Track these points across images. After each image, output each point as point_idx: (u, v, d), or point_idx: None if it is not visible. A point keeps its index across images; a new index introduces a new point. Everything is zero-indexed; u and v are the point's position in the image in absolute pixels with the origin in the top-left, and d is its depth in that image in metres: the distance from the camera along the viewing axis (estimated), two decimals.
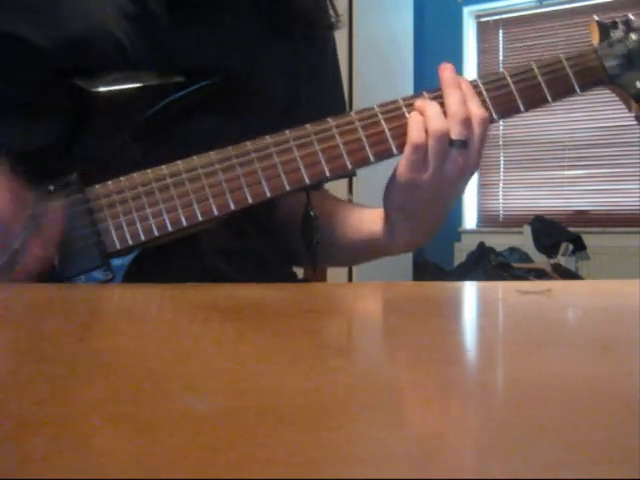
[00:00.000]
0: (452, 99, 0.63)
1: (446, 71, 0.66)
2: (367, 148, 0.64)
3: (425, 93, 0.66)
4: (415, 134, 0.62)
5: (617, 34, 0.70)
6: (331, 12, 0.78)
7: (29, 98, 0.63)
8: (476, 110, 0.64)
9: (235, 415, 0.18)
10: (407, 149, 0.63)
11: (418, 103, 0.65)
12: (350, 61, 2.93)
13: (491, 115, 0.66)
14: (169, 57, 0.66)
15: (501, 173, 4.07)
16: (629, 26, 0.70)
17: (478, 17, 4.12)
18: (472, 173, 0.65)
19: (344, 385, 0.22)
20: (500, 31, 4.07)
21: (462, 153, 0.63)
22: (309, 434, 0.17)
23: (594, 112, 3.74)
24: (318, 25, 0.76)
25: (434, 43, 4.04)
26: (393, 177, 0.65)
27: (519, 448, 0.16)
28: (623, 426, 0.17)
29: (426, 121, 0.63)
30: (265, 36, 0.72)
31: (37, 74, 0.60)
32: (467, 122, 0.63)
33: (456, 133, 0.62)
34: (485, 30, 4.12)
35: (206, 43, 0.69)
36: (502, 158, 4.06)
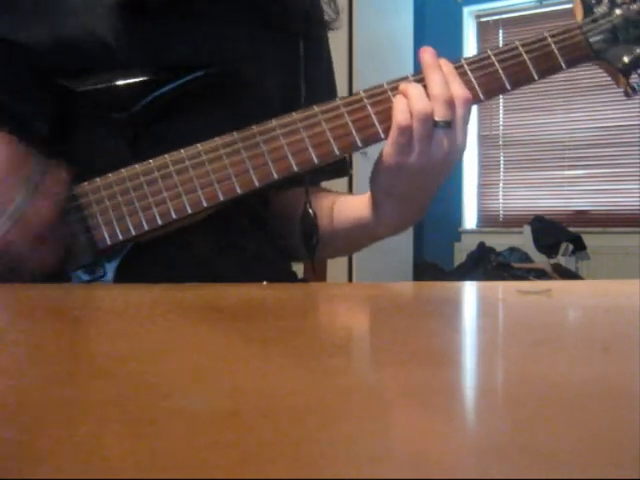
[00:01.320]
0: (433, 81, 0.63)
1: (426, 54, 0.66)
2: (354, 133, 0.64)
3: (410, 76, 0.66)
4: (400, 116, 0.62)
5: (601, 9, 0.69)
6: (329, 10, 0.78)
7: (16, 98, 0.63)
8: (458, 91, 0.64)
9: (234, 415, 0.18)
10: (392, 131, 0.63)
11: (402, 86, 0.64)
12: (350, 61, 2.93)
13: (477, 95, 0.66)
14: (159, 55, 0.66)
15: (501, 173, 4.07)
16: (613, 1, 0.69)
17: (478, 17, 4.12)
18: (458, 155, 0.65)
19: (343, 385, 0.22)
20: (500, 31, 4.07)
21: (447, 134, 0.63)
22: (308, 434, 0.17)
23: (594, 112, 3.74)
24: (315, 22, 0.76)
25: (434, 43, 3.98)
26: (379, 160, 0.65)
27: (518, 448, 0.16)
28: (623, 426, 0.17)
29: (409, 103, 0.63)
30: (260, 32, 0.72)
31: (23, 74, 0.60)
32: (450, 103, 0.63)
33: (439, 115, 0.62)
34: (485, 30, 4.12)
35: (198, 41, 0.69)
36: (502, 158, 4.06)
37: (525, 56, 0.67)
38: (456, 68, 0.66)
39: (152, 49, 0.66)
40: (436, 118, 0.62)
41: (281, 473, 0.14)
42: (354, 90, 2.89)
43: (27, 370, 0.25)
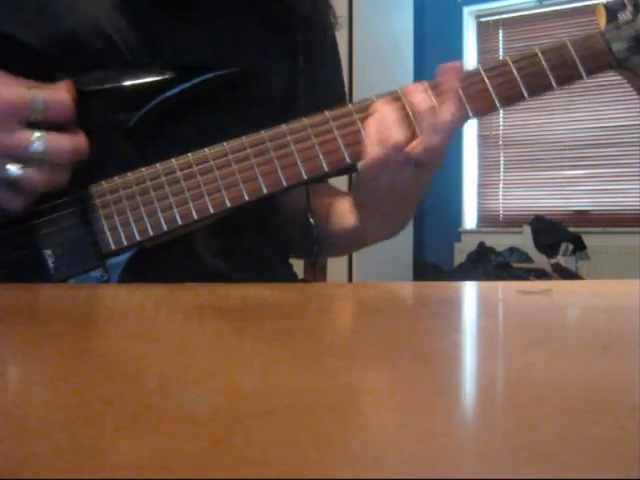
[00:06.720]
0: (426, 125, 0.61)
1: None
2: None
3: (426, 82, 0.65)
4: (372, 149, 0.61)
5: (625, 16, 0.66)
6: (330, 14, 0.78)
7: None
8: (444, 139, 0.61)
9: (234, 415, 0.18)
10: (367, 161, 0.62)
11: (377, 105, 0.63)
12: (350, 61, 2.93)
13: (494, 103, 0.64)
14: (164, 54, 0.66)
15: (501, 173, 4.08)
16: (638, 8, 0.66)
17: (478, 17, 4.13)
18: (430, 180, 0.65)
19: (344, 385, 0.22)
20: (500, 31, 4.07)
21: (422, 171, 0.62)
22: (308, 434, 0.17)
23: (594, 112, 3.74)
24: (316, 25, 0.76)
25: (434, 43, 4.04)
26: (357, 178, 0.66)
27: (518, 448, 0.16)
28: (623, 426, 0.17)
29: (385, 132, 0.61)
30: (262, 33, 0.72)
31: (28, 72, 0.59)
32: (434, 151, 0.61)
33: (420, 157, 0.61)
34: (485, 30, 4.12)
35: (201, 40, 0.68)
36: (502, 158, 4.06)
37: (544, 64, 0.65)
38: (473, 75, 0.64)
39: (158, 49, 0.66)
40: (416, 158, 0.61)
41: (281, 473, 0.14)
42: (354, 90, 2.89)
43: (28, 369, 0.25)
